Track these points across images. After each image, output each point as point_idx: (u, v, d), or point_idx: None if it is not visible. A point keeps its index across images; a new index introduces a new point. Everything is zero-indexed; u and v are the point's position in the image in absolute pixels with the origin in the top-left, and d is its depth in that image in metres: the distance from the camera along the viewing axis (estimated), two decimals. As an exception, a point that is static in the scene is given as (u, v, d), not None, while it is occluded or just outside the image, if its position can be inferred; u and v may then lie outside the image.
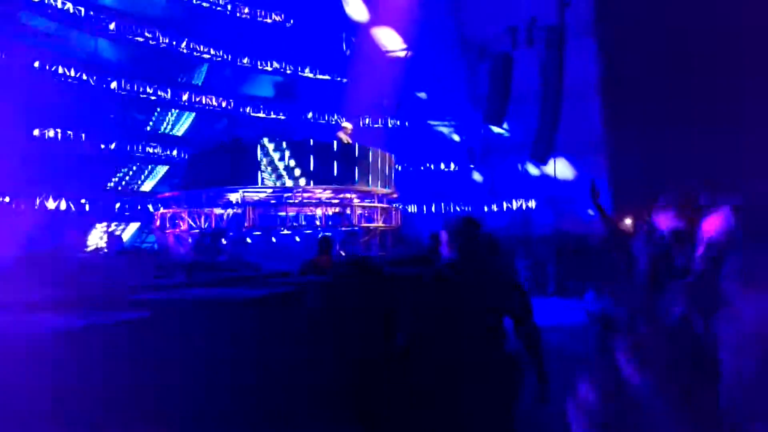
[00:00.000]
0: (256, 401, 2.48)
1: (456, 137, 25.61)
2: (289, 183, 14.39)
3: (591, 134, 19.46)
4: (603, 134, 19.77)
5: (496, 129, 20.97)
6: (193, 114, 22.05)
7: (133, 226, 19.54)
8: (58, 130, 17.53)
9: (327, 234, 10.84)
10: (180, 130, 22.16)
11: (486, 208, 24.14)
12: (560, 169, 21.54)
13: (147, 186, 20.80)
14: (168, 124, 21.99)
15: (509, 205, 23.83)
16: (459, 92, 23.79)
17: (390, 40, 24.07)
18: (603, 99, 19.14)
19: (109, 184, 19.76)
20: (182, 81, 21.96)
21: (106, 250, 17.23)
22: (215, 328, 2.52)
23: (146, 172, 20.91)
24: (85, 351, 1.87)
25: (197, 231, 14.46)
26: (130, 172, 20.48)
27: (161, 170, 21.04)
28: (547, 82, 16.40)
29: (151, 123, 21.58)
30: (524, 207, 23.48)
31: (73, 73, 18.06)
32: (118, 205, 18.70)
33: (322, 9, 23.45)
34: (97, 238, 18.59)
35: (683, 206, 2.55)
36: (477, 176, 25.10)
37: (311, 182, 14.49)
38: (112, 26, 19.19)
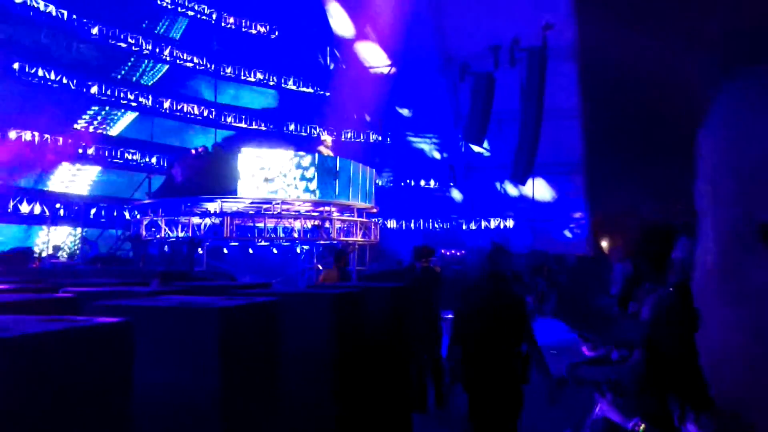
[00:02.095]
0: (234, 410, 2.44)
1: (437, 154, 25.74)
2: (268, 194, 14.34)
3: (570, 156, 19.68)
4: (582, 156, 20.00)
5: (476, 148, 21.14)
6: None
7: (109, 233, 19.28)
8: (35, 133, 17.29)
9: (340, 245, 10.72)
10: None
11: (464, 226, 24.24)
12: (538, 189, 21.74)
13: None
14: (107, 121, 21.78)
15: (487, 224, 23.95)
16: (441, 110, 23.96)
17: (374, 56, 24.21)
18: (582, 121, 19.39)
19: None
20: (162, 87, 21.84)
21: (69, 257, 17.00)
22: (190, 336, 2.48)
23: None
24: (56, 358, 1.82)
25: (174, 239, 14.32)
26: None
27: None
28: (528, 103, 16.57)
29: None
30: (502, 226, 23.62)
31: (53, 76, 17.89)
32: (93, 210, 18.44)
33: (308, 22, 23.54)
34: (69, 244, 18.30)
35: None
36: (456, 194, 25.22)
37: (291, 194, 14.45)
38: (94, 30, 19.07)
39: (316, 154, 15.21)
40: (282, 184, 14.36)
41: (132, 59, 20.70)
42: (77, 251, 17.69)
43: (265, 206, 14.76)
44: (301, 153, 15.03)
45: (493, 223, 23.86)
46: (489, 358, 3.86)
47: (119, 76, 20.39)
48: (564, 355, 5.77)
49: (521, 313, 4.00)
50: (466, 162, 24.35)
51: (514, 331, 3.92)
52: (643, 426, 1.98)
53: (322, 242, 15.10)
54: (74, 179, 19.83)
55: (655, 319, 1.96)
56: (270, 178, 14.29)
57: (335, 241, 14.93)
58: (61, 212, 17.69)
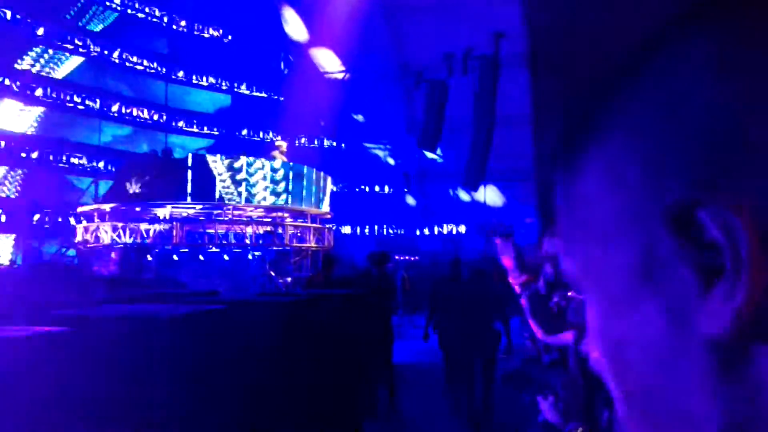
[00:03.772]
0: (182, 417, 2.41)
1: (391, 161, 25.85)
2: (220, 199, 14.16)
3: (521, 162, 20.02)
4: (533, 163, 20.33)
5: (429, 154, 21.32)
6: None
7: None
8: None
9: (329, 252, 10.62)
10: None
11: (418, 232, 24.38)
12: (490, 195, 22.03)
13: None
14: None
15: (440, 230, 24.16)
16: (395, 117, 24.08)
17: (328, 62, 24.17)
18: (534, 128, 19.71)
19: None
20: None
21: (17, 264, 16.42)
22: (137, 346, 2.44)
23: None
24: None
25: (122, 246, 13.98)
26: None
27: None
28: (480, 111, 16.78)
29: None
30: (455, 232, 23.86)
31: None
32: (36, 216, 17.86)
33: (262, 26, 23.35)
34: (9, 250, 17.67)
35: None
36: (410, 200, 25.37)
37: (242, 199, 14.29)
38: (40, 32, 18.51)
39: (277, 160, 15.09)
40: (247, 189, 14.23)
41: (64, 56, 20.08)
42: (17, 258, 17.09)
43: (215, 211, 14.55)
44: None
45: (446, 229, 24.08)
46: (473, 329, 5.68)
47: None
48: (513, 358, 5.96)
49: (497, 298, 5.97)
50: (420, 168, 24.53)
51: (492, 309, 5.89)
52: (580, 429, 2.03)
53: (274, 248, 14.96)
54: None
55: (582, 323, 2.02)
56: (239, 182, 14.16)
57: (288, 247, 14.82)
58: (3, 218, 17.08)
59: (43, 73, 18.99)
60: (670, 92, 0.30)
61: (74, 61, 19.78)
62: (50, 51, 19.06)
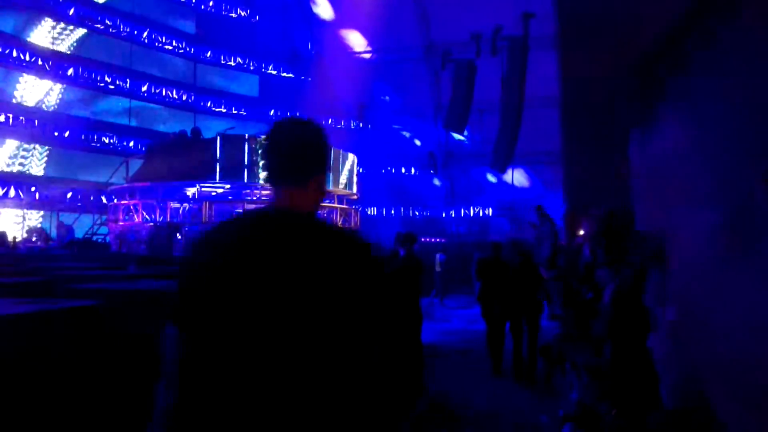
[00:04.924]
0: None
1: (418, 142, 25.72)
2: (248, 179, 14.27)
3: (549, 145, 19.77)
4: (561, 145, 20.10)
5: (457, 136, 21.16)
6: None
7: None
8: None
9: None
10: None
11: (444, 214, 24.30)
12: (517, 178, 21.84)
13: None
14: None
15: (467, 212, 24.05)
16: (422, 97, 23.93)
17: (356, 42, 24.07)
18: (562, 111, 19.46)
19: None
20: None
21: (50, 241, 16.79)
22: (162, 318, 2.47)
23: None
24: (30, 338, 1.82)
25: (152, 224, 14.20)
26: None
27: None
28: (509, 92, 16.58)
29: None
30: (482, 214, 23.72)
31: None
32: (69, 194, 18.20)
33: (289, 6, 23.31)
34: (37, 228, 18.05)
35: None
36: (437, 181, 25.26)
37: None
38: (69, 10, 18.73)
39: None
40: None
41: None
42: (50, 235, 17.46)
43: (244, 191, 14.68)
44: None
45: (473, 211, 23.96)
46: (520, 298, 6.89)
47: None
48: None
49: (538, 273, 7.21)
50: (446, 150, 24.38)
51: (535, 282, 7.04)
52: (614, 411, 2.02)
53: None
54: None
55: (614, 308, 2.00)
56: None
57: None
58: (37, 196, 17.43)
59: (53, 47, 19.20)
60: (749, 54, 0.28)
61: (78, 32, 19.98)
62: (62, 24, 19.24)
